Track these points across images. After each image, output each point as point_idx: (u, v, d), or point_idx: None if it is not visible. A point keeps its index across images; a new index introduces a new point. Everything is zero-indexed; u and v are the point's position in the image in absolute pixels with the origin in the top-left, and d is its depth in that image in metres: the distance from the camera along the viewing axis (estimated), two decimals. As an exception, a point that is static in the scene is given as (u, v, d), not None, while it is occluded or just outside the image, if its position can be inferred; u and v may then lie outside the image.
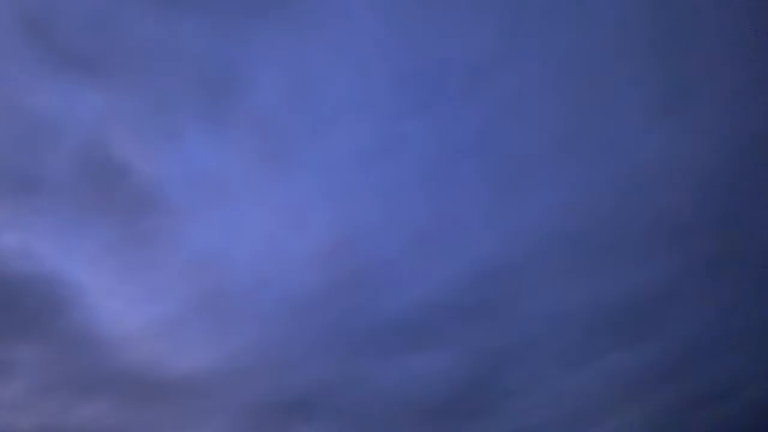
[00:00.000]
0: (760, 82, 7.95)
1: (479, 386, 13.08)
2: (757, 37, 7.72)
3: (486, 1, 6.68)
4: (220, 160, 6.99)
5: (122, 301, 8.05)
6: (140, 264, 7.59)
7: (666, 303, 12.26)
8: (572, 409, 14.25)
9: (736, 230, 9.82)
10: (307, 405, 11.38)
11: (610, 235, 9.89)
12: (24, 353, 8.06)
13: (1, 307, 7.28)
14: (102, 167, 6.34)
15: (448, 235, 8.95)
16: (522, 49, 6.94)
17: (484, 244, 9.29)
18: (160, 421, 10.23)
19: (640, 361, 13.88)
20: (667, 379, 14.32)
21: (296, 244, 8.05)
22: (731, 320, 12.96)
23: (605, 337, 13.17)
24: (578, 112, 7.87)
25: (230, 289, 8.58)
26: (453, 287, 10.26)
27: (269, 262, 8.19)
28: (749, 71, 7.80)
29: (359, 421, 12.03)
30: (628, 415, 14.56)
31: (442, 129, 7.24)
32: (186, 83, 6.20)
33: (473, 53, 6.80)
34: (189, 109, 6.45)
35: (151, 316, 8.47)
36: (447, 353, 11.83)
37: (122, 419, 10.01)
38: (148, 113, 6.17)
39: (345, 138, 7.01)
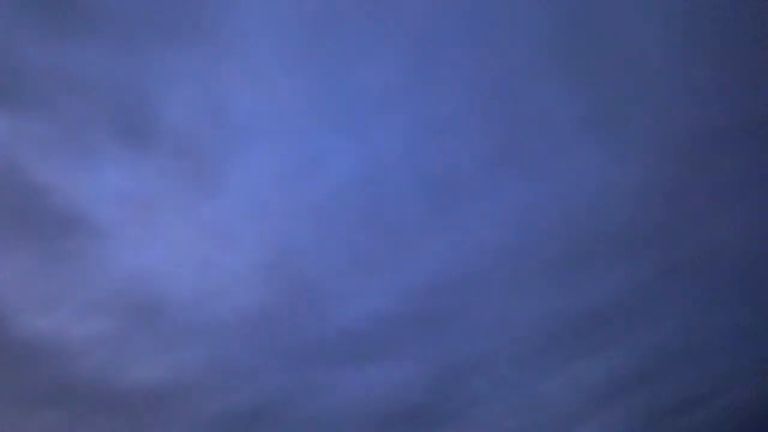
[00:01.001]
0: (693, 94, 7.86)
1: (443, 395, 13.06)
2: (688, 52, 7.63)
3: (403, 21, 6.66)
4: (142, 180, 7.04)
5: (59, 318, 8.13)
6: (71, 282, 7.66)
7: (627, 312, 12.17)
8: (541, 416, 14.18)
9: (684, 240, 9.72)
10: (262, 416, 11.44)
11: (559, 249, 9.83)
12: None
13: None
14: (17, 192, 6.40)
15: (389, 248, 8.94)
16: (440, 69, 6.91)
17: (428, 257, 9.28)
18: (111, 434, 10.34)
19: (607, 369, 13.79)
20: (635, 387, 14.22)
21: (229, 261, 8.09)
22: (695, 329, 12.84)
23: (569, 345, 13.10)
24: (510, 128, 7.83)
25: (170, 304, 8.64)
26: (403, 298, 10.25)
27: (204, 279, 8.24)
28: (681, 86, 7.70)
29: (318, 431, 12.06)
30: (597, 422, 14.47)
31: (363, 148, 7.24)
32: (96, 106, 6.24)
33: (389, 73, 6.78)
34: (103, 131, 6.49)
35: (91, 331, 8.56)
36: (405, 363, 11.82)
37: (73, 432, 10.13)
38: (59, 137, 6.21)
39: (264, 157, 7.03)
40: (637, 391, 14.18)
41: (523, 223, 9.17)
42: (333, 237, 8.51)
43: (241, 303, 8.83)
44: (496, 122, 7.71)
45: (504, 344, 12.02)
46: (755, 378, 13.82)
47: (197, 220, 7.53)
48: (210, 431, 11.10)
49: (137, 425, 10.36)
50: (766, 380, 13.83)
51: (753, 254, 10.24)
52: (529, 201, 8.80)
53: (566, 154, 8.28)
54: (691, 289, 11.35)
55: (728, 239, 9.82)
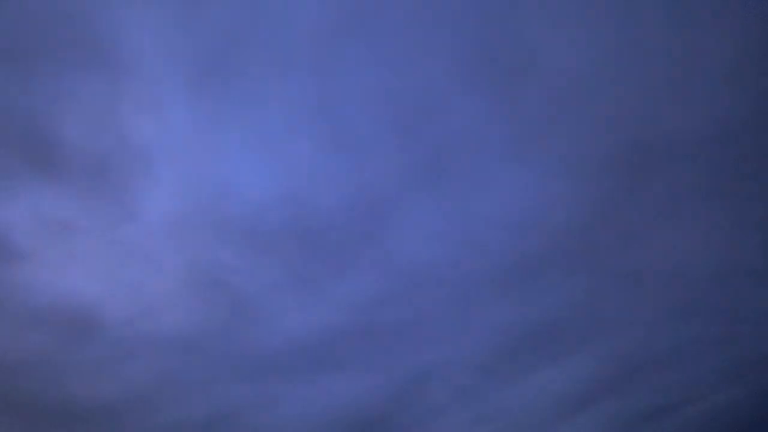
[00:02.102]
0: (620, 111, 7.71)
1: (403, 405, 13.05)
2: (613, 70, 7.48)
3: (313, 38, 6.63)
4: (57, 204, 7.12)
5: (-5, 338, 8.28)
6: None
7: (586, 323, 12.03)
8: (505, 424, 14.11)
9: (627, 253, 9.57)
10: (216, 427, 11.53)
11: (501, 262, 9.74)
12: None
13: None
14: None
15: (323, 263, 8.93)
16: (352, 88, 6.87)
17: (363, 271, 9.25)
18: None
19: (571, 378, 13.66)
20: (601, 396, 14.07)
21: (155, 281, 8.15)
22: (660, 338, 12.64)
23: (530, 354, 12.99)
24: (432, 145, 7.76)
25: (104, 322, 8.75)
26: (349, 311, 10.23)
27: (132, 299, 8.32)
28: (607, 103, 7.56)
29: (273, 442, 12.13)
30: (563, 431, 14.35)
31: (280, 166, 7.25)
32: (2, 134, 6.34)
33: (299, 92, 6.77)
34: (13, 157, 6.58)
35: (27, 348, 8.70)
36: (361, 374, 11.82)
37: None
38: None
39: (175, 178, 7.07)
40: (603, 400, 14.02)
41: (458, 237, 9.10)
42: (262, 254, 8.53)
43: (175, 320, 8.91)
44: (415, 139, 7.65)
45: (462, 354, 11.96)
46: (723, 386, 13.56)
47: (117, 241, 7.60)
48: (162, 444, 11.23)
49: (87, 438, 10.53)
50: (734, 388, 13.56)
51: (702, 267, 10.03)
52: (460, 216, 8.73)
53: (493, 171, 8.20)
54: (647, 300, 11.17)
55: (671, 252, 9.63)
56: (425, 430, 13.36)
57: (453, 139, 7.66)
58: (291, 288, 9.20)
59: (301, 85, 6.78)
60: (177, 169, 7.11)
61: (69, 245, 7.50)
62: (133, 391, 10.47)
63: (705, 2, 7.67)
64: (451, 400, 13.48)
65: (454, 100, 7.48)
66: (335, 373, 11.54)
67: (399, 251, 9.10)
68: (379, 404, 12.79)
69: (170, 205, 7.43)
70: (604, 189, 8.64)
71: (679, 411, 14.13)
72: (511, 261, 9.69)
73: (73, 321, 8.59)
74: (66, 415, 10.35)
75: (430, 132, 7.64)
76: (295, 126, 7.18)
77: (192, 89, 6.53)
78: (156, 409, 10.97)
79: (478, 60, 7.23)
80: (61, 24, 6.05)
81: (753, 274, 10.62)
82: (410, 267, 9.42)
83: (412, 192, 8.21)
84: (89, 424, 10.78)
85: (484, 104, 7.50)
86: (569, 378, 13.35)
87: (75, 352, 9.19)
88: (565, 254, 9.72)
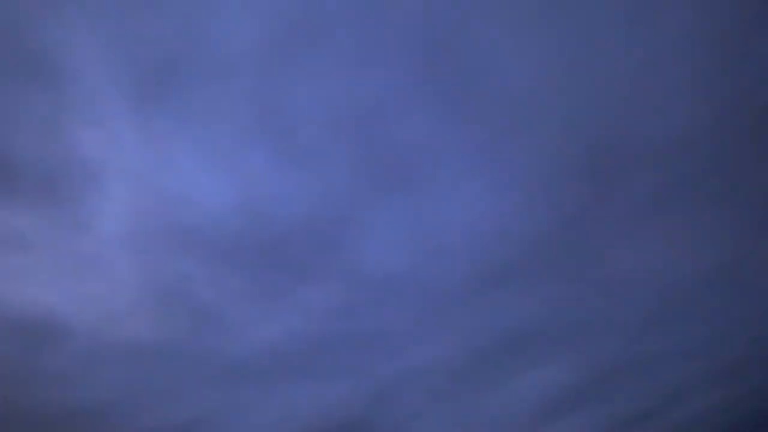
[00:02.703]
0: (571, 129, 7.61)
1: (381, 410, 13.02)
2: (566, 77, 7.38)
3: (258, 48, 6.58)
4: (10, 217, 7.12)
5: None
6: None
7: (562, 330, 11.94)
8: (485, 429, 14.06)
9: (597, 262, 9.46)
10: (190, 433, 11.55)
11: (468, 271, 9.67)
12: None
13: None
14: None
15: (286, 273, 8.90)
16: (296, 100, 6.82)
17: (328, 279, 9.21)
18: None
19: (552, 384, 13.59)
20: (583, 401, 13.98)
21: (114, 291, 8.15)
22: (640, 344, 12.55)
23: (509, 360, 12.93)
24: (385, 158, 7.69)
25: (67, 332, 8.76)
26: (318, 318, 10.20)
27: (93, 310, 8.32)
28: (559, 119, 7.46)
29: (249, 448, 12.13)
30: (543, 436, 14.28)
31: (233, 179, 7.23)
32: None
33: (244, 107, 6.73)
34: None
35: (-9, 359, 8.73)
36: (336, 380, 11.80)
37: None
38: None
39: (125, 191, 7.06)
40: (584, 405, 13.92)
41: (425, 245, 9.03)
42: (223, 263, 8.50)
43: (140, 329, 8.91)
44: (371, 148, 7.58)
45: (435, 360, 11.91)
46: (705, 390, 13.43)
47: (73, 253, 7.60)
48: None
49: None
50: (716, 393, 13.44)
51: (674, 272, 9.90)
52: (424, 224, 8.66)
53: (455, 180, 8.12)
54: (621, 307, 11.06)
55: (643, 259, 9.51)
56: (404, 435, 13.33)
57: (410, 148, 7.59)
58: (255, 297, 9.18)
59: (250, 96, 6.73)
60: (128, 182, 7.09)
61: (24, 258, 7.50)
62: (101, 399, 10.49)
63: (667, 8, 7.54)
64: (425, 406, 13.43)
65: (408, 109, 7.41)
66: (306, 381, 11.52)
67: (364, 259, 9.05)
68: (352, 411, 12.76)
69: (124, 217, 7.42)
70: (571, 197, 8.54)
71: (662, 415, 14.03)
72: (480, 269, 9.62)
73: (36, 331, 8.61)
74: (35, 423, 10.40)
75: (387, 141, 7.58)
76: (248, 137, 7.13)
77: (137, 102, 6.50)
78: (125, 415, 11.00)
79: (432, 68, 7.15)
80: (1, 36, 6.03)
81: (725, 278, 10.49)
82: (377, 275, 9.37)
83: (372, 200, 8.15)
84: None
85: (440, 113, 7.42)
86: (547, 384, 13.27)
87: (41, 360, 9.22)
88: (535, 262, 9.63)
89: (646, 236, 9.27)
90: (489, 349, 11.85)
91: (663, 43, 7.48)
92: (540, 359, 12.67)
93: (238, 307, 9.27)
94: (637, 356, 12.84)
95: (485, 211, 8.38)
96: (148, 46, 6.21)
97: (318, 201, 7.96)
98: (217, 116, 6.82)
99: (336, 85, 6.95)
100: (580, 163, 8.19)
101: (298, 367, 11.23)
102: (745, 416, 14.16)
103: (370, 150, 7.57)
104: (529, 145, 7.77)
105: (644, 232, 9.23)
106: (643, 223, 9.13)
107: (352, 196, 8.00)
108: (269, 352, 10.55)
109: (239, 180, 7.53)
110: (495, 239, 8.92)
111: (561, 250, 9.34)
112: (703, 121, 8.32)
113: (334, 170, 7.65)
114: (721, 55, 8.01)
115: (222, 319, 9.35)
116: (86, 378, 10.04)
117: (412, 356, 11.84)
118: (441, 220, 8.53)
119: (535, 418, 13.69)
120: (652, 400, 14.15)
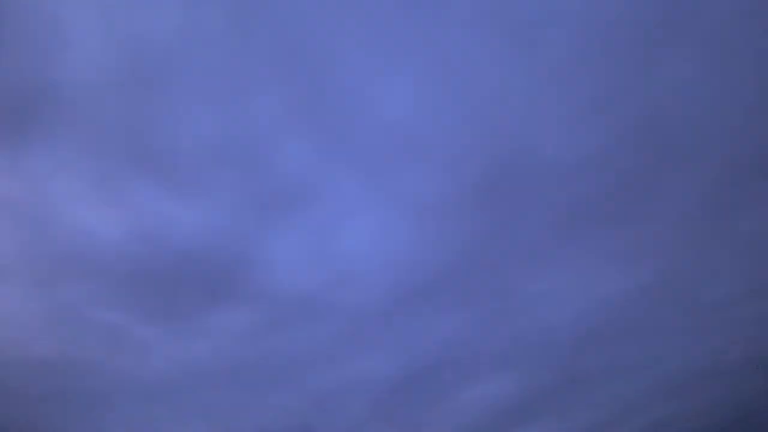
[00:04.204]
0: (461, 160, 7.47)
1: (323, 419, 13.02)
2: (449, 117, 7.23)
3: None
4: None
5: None
6: None
7: (497, 348, 11.84)
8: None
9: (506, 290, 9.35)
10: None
11: (379, 299, 9.61)
12: None
13: None
14: None
15: (190, 303, 8.92)
16: (174, 134, 6.77)
17: (233, 305, 9.22)
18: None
19: (498, 397, 13.52)
20: (535, 415, 13.90)
21: (21, 316, 8.22)
22: (576, 362, 12.42)
23: (450, 375, 12.85)
24: (264, 186, 7.63)
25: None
26: (232, 339, 10.18)
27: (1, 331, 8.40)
28: (445, 151, 7.33)
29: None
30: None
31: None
32: None
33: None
34: None
35: None
36: (258, 398, 11.76)
37: None
38: None
39: (17, 224, 7.09)
40: (535, 419, 13.85)
41: (330, 271, 8.98)
42: (127, 288, 8.51)
43: (44, 351, 8.95)
44: (253, 180, 7.53)
45: (366, 378, 11.85)
46: (652, 405, 13.26)
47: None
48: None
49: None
50: (659, 408, 13.27)
51: (600, 293, 9.75)
52: (327, 251, 8.61)
53: (349, 211, 8.05)
54: (553, 326, 10.93)
55: (559, 281, 9.37)
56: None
57: (295, 176, 7.51)
58: (164, 318, 9.17)
59: (117, 129, 6.68)
60: (18, 213, 7.10)
61: None
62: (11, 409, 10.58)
63: (557, 29, 7.33)
64: (371, 415, 13.41)
65: (287, 138, 7.26)
66: (221, 401, 11.46)
67: (273, 282, 9.01)
68: (301, 418, 12.77)
69: (18, 247, 7.44)
70: (474, 223, 8.42)
71: (622, 425, 13.90)
72: (393, 293, 9.54)
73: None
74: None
75: (271, 170, 7.51)
76: (128, 169, 7.09)
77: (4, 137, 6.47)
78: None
79: (305, 99, 7.01)
80: None
81: (653, 295, 10.32)
82: (288, 296, 9.32)
83: (267, 226, 8.09)
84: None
85: (319, 142, 7.31)
86: (491, 398, 13.19)
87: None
88: (449, 286, 9.54)
89: (560, 256, 9.12)
90: (421, 365, 11.78)
91: (552, 66, 7.29)
92: (480, 375, 12.58)
93: (148, 328, 9.28)
94: (579, 372, 12.71)
95: (383, 240, 8.30)
96: (8, 80, 6.17)
97: (213, 228, 7.92)
98: (90, 149, 6.78)
99: (212, 115, 6.88)
100: (479, 189, 8.06)
101: (212, 385, 11.19)
102: (693, 430, 14.00)
103: (256, 178, 7.51)
104: (417, 175, 7.66)
105: (559, 251, 9.09)
106: (554, 243, 8.99)
107: (245, 223, 7.95)
108: (180, 371, 10.51)
109: (129, 210, 7.50)
110: (402, 268, 8.84)
111: (473, 274, 9.23)
112: (607, 140, 8.14)
113: (222, 198, 7.60)
114: (624, 75, 7.82)
115: (132, 340, 9.37)
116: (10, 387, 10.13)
117: (329, 377, 11.71)
118: (341, 247, 8.47)
119: (485, 430, 13.63)
120: (601, 414, 14.02)
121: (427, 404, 13.28)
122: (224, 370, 10.84)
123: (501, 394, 13.49)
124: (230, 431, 11.97)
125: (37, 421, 10.56)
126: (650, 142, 8.37)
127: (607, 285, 9.90)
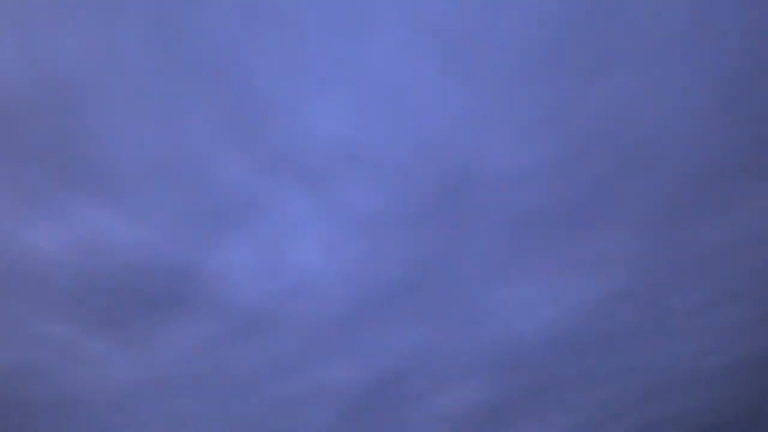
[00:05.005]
0: (397, 184, 7.33)
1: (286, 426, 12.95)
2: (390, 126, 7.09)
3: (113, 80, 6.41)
4: None
5: None
6: None
7: (462, 358, 11.72)
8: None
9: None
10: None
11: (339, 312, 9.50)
12: None
13: None
14: None
15: (140, 315, 8.84)
16: (115, 151, 6.66)
17: (183, 322, 9.14)
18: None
19: (469, 404, 13.43)
20: (506, 422, 13.79)
21: None
22: (545, 371, 12.29)
23: (418, 382, 12.76)
24: (215, 203, 7.53)
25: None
26: (187, 351, 10.12)
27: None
28: (387, 161, 7.19)
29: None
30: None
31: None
32: None
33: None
34: None
35: None
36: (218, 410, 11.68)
37: None
38: None
39: None
40: (508, 425, 13.74)
41: (280, 283, 8.89)
42: (77, 301, 8.44)
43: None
44: (193, 196, 7.44)
45: (332, 385, 11.77)
46: (635, 408, 13.14)
47: None
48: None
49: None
50: (647, 410, 13.14)
51: (564, 303, 9.62)
52: (276, 263, 8.50)
53: (294, 225, 7.94)
54: (517, 336, 10.80)
55: (516, 293, 9.24)
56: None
57: (235, 192, 7.41)
58: (116, 331, 9.10)
59: (53, 148, 6.58)
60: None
61: None
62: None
63: (504, 54, 7.16)
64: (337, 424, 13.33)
65: (220, 156, 7.16)
66: (187, 409, 11.40)
67: (225, 296, 8.92)
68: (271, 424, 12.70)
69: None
70: (425, 237, 8.30)
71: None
72: (348, 306, 9.43)
73: None
74: None
75: (210, 186, 7.41)
76: (64, 186, 7.00)
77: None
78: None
79: (240, 123, 6.91)
80: None
81: (623, 304, 10.18)
82: (241, 309, 9.24)
83: (217, 242, 8.00)
84: None
85: (251, 160, 7.20)
86: (462, 405, 13.09)
87: None
88: (405, 300, 9.43)
89: (523, 265, 8.99)
90: (385, 375, 11.67)
91: (494, 80, 7.13)
92: (448, 383, 12.47)
93: (100, 339, 9.20)
94: (551, 379, 12.59)
95: (334, 252, 8.19)
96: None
97: (156, 241, 7.83)
98: (17, 167, 6.68)
99: (145, 132, 6.76)
100: (430, 202, 7.93)
101: (172, 396, 11.11)
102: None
103: (197, 193, 7.41)
104: (364, 189, 7.54)
105: (521, 261, 8.95)
106: (515, 252, 8.85)
107: (190, 236, 7.85)
108: (140, 382, 10.43)
109: (69, 225, 7.42)
110: (352, 278, 8.73)
111: (433, 284, 9.11)
112: (560, 150, 7.99)
113: (165, 210, 7.51)
114: (571, 88, 7.65)
115: (86, 352, 9.30)
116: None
117: (300, 384, 11.64)
118: (292, 259, 8.37)
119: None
120: (582, 419, 13.90)
121: (394, 413, 13.20)
122: (185, 380, 10.78)
123: (470, 403, 13.38)
124: (194, 441, 11.92)
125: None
126: (608, 151, 8.21)
127: (574, 292, 9.77)
